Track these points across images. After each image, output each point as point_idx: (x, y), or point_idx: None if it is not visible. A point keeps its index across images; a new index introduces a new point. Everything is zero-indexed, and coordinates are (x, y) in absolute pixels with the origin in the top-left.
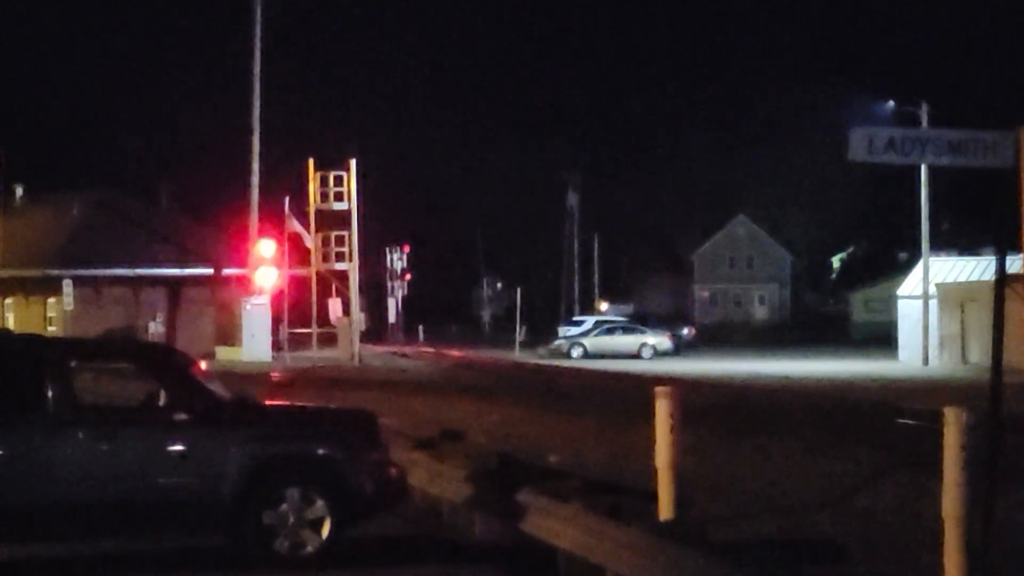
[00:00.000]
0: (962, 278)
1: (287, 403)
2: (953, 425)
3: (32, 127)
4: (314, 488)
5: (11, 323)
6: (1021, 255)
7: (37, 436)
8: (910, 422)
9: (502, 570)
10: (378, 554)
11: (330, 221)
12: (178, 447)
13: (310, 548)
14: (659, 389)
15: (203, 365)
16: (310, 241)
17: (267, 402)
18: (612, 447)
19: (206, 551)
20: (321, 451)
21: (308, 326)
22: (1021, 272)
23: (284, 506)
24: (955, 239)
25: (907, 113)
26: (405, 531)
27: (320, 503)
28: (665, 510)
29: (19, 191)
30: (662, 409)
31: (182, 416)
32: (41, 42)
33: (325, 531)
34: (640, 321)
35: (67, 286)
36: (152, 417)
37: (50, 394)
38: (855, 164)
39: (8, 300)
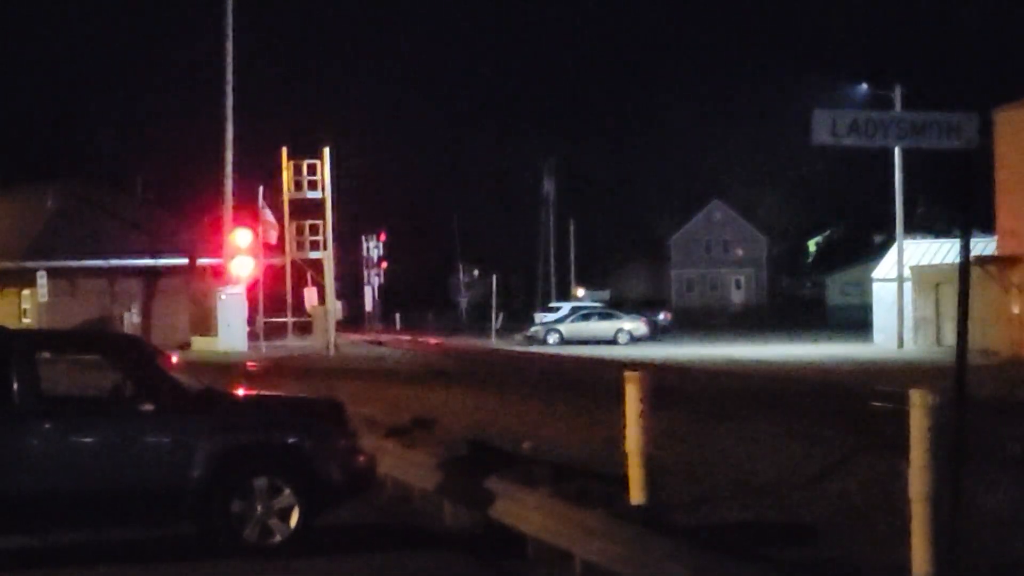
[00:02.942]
0: (937, 261)
1: (255, 392)
2: (919, 407)
3: (3, 119)
4: (282, 477)
5: None
6: (994, 236)
7: (3, 428)
8: (882, 404)
9: (472, 557)
10: (347, 542)
11: (304, 210)
12: (145, 438)
13: (279, 537)
14: (628, 374)
15: (174, 357)
16: (273, 235)
17: (235, 392)
18: (586, 433)
19: (174, 541)
20: (288, 440)
21: (284, 315)
22: (995, 254)
23: (252, 495)
24: (930, 222)
25: (881, 96)
26: (375, 519)
27: (288, 492)
28: (635, 495)
29: None
30: (631, 394)
31: (148, 407)
32: (11, 34)
33: (293, 520)
34: (616, 307)
35: (41, 278)
36: (118, 408)
37: (16, 386)
38: (830, 148)
39: None
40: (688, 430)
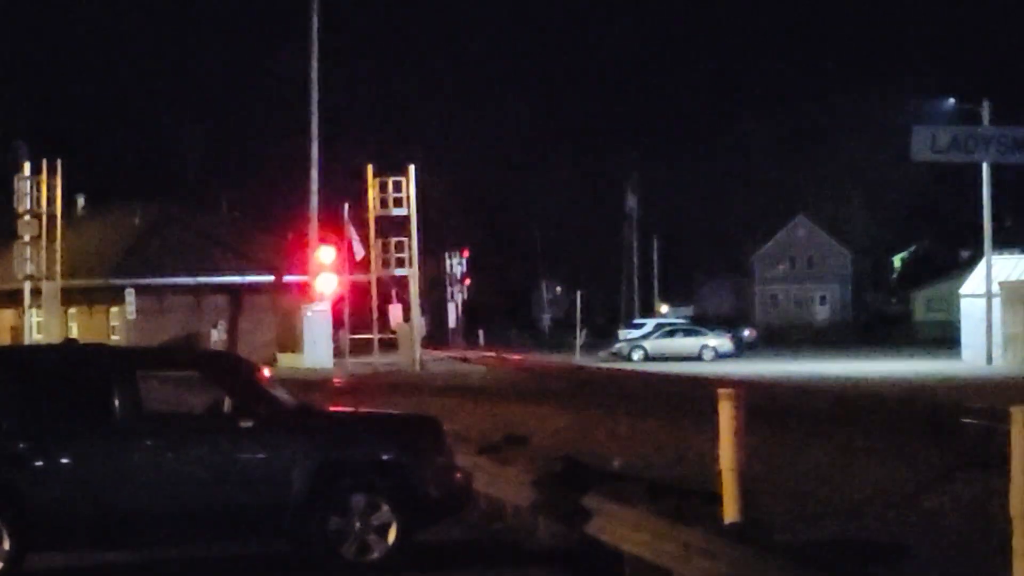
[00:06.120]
0: None
1: (351, 409)
2: (1020, 424)
3: (92, 138)
4: (380, 494)
5: (75, 332)
6: None
7: (105, 445)
8: (975, 422)
9: (567, 574)
10: (444, 558)
11: (389, 227)
12: (243, 454)
13: (376, 554)
14: (722, 391)
15: (267, 372)
16: (359, 252)
17: (331, 408)
18: (674, 450)
19: (272, 557)
20: (386, 457)
21: (369, 332)
22: None
23: (350, 512)
24: (1018, 236)
25: (968, 111)
26: (470, 535)
27: (386, 508)
28: (729, 512)
29: (81, 202)
30: (725, 411)
31: (247, 423)
32: (99, 54)
33: (391, 536)
34: (700, 323)
35: (130, 295)
36: (218, 424)
37: (117, 403)
38: (917, 162)
39: (72, 310)
40: (778, 447)
